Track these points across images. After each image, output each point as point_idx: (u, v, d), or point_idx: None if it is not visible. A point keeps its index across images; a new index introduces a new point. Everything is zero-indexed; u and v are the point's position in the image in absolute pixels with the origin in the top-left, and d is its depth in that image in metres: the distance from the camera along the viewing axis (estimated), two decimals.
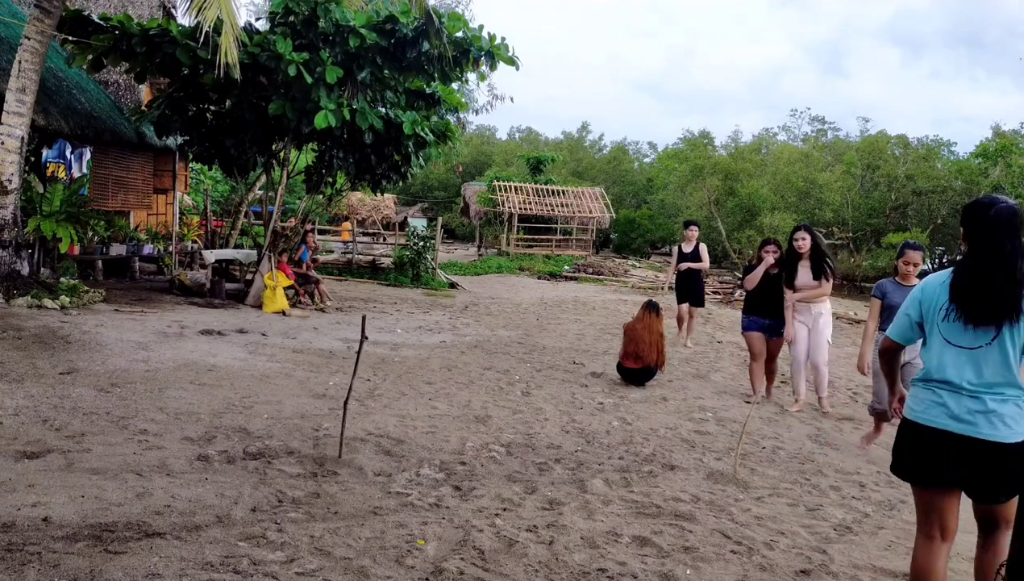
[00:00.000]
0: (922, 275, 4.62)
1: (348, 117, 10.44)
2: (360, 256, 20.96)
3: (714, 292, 19.48)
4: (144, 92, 15.89)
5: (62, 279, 10.55)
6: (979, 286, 2.79)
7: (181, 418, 5.31)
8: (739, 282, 16.65)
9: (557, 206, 30.52)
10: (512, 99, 50.00)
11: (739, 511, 4.40)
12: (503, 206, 29.19)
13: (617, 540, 3.84)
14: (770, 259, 7.55)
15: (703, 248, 11.01)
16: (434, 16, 9.88)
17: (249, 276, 12.48)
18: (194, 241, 16.68)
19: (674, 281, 11.36)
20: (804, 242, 7.16)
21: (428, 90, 12.15)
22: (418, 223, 28.75)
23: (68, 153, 13.22)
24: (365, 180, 13.14)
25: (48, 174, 12.87)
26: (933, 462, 2.84)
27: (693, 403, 7.34)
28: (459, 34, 10.47)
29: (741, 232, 28.37)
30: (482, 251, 30.82)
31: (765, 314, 7.56)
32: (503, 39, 10.72)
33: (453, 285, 18.14)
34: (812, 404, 7.49)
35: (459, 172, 48.62)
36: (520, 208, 29.42)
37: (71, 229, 10.83)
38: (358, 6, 10.76)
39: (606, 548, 3.73)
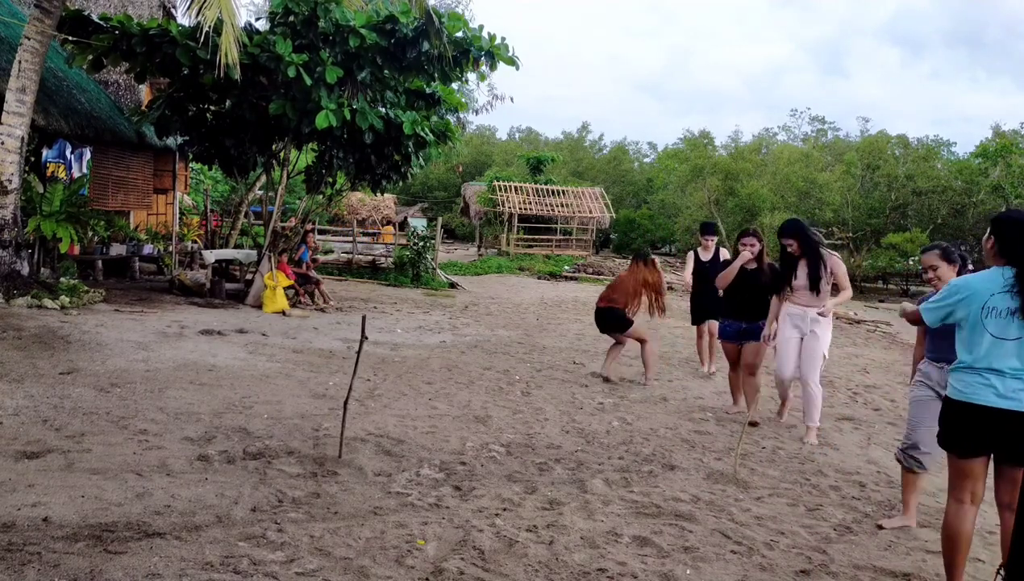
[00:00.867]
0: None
1: (348, 117, 10.44)
2: (360, 256, 20.97)
3: None
4: (144, 92, 15.89)
5: (62, 279, 10.55)
6: None
7: (181, 418, 5.31)
8: None
9: (557, 206, 30.52)
10: (512, 99, 50.15)
11: (739, 511, 4.40)
12: (503, 206, 29.19)
13: (617, 540, 3.84)
14: (747, 254, 6.58)
15: (725, 254, 8.95)
16: (434, 16, 9.88)
17: (249, 276, 12.47)
18: (194, 241, 16.69)
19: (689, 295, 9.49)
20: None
21: (428, 90, 12.15)
22: (418, 223, 28.76)
23: (68, 153, 13.24)
24: (365, 180, 13.14)
25: (48, 174, 12.89)
26: (979, 434, 3.34)
27: (693, 403, 7.33)
28: (459, 34, 10.47)
29: None
30: (482, 251, 30.83)
31: (741, 317, 6.66)
32: (503, 39, 10.73)
33: (453, 285, 18.14)
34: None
35: (459, 172, 48.65)
36: (520, 208, 29.42)
37: (71, 229, 10.84)
38: (358, 6, 10.75)
39: (606, 548, 3.73)
